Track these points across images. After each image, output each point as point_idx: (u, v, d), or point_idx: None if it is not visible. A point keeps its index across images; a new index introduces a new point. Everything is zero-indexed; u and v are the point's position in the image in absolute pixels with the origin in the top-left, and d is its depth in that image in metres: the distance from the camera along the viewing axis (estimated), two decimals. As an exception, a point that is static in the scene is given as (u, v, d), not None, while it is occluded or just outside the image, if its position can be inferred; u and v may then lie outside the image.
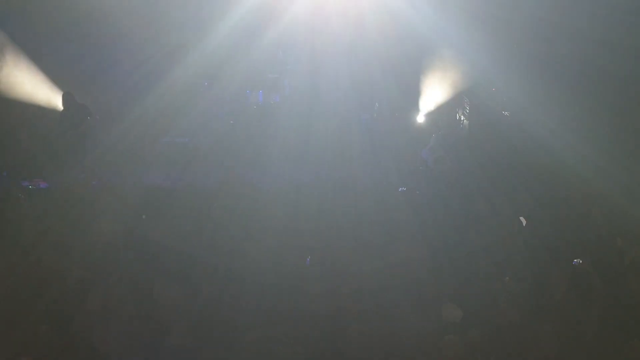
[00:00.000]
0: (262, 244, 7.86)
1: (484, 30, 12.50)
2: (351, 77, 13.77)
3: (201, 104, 13.54)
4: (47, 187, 10.60)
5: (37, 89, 12.15)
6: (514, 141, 11.66)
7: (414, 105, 13.42)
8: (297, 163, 11.79)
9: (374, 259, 7.66)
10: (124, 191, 10.09)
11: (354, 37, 13.69)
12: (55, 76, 12.21)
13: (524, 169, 10.59)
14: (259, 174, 11.19)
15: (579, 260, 7.23)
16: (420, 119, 13.40)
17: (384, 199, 9.73)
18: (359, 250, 7.86)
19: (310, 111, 13.60)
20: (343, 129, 12.66)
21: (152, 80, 13.09)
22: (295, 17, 13.55)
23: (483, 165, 10.94)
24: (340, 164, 11.76)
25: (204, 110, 13.48)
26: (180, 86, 13.13)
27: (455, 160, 11.36)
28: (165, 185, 10.68)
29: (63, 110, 11.76)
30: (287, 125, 13.01)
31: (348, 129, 12.76)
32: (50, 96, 12.17)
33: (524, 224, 8.62)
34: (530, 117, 11.73)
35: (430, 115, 13.36)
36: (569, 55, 11.82)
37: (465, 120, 13.26)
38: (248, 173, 11.02)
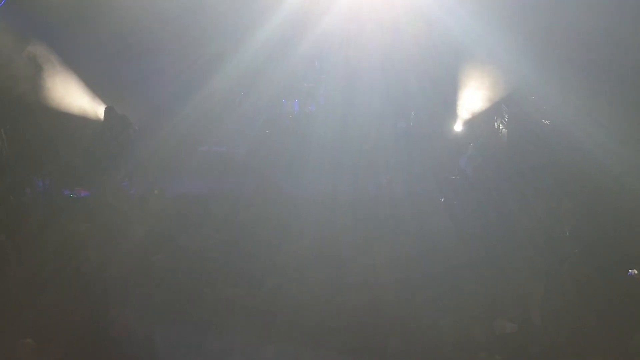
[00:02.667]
0: (298, 251, 7.86)
1: (523, 36, 12.31)
2: (387, 85, 13.70)
3: (238, 113, 13.66)
4: (87, 196, 10.82)
5: (78, 99, 12.45)
6: (554, 150, 11.40)
7: (452, 114, 13.26)
8: (332, 172, 11.75)
9: (410, 266, 7.57)
10: (162, 199, 10.22)
11: (390, 45, 13.62)
12: (95, 87, 12.50)
13: (566, 178, 10.32)
14: (294, 182, 11.20)
15: (634, 270, 7.00)
16: (458, 127, 13.22)
17: (421, 208, 9.62)
18: (395, 259, 7.78)
19: (345, 120, 13.58)
20: (379, 138, 12.59)
21: (189, 90, 13.27)
22: (331, 26, 13.57)
23: (523, 174, 10.71)
24: (377, 173, 11.68)
25: (241, 119, 13.60)
26: (217, 95, 13.28)
27: (494, 169, 11.16)
28: (202, 194, 10.77)
29: (104, 121, 12.04)
30: (323, 134, 13.00)
31: (384, 138, 12.68)
32: (90, 107, 12.46)
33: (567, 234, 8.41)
34: (572, 125, 11.46)
35: (468, 123, 13.17)
36: (610, 61, 11.54)
37: (504, 129, 13.03)
38: (283, 182, 11.04)
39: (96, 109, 12.40)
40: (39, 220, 9.10)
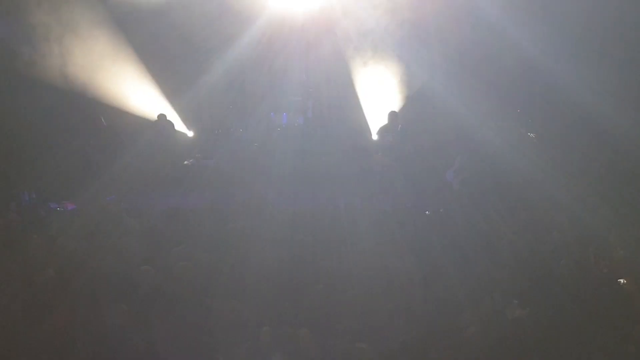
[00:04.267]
0: (283, 265, 7.86)
1: (504, 53, 12.52)
2: (375, 98, 13.80)
3: (225, 126, 13.69)
4: (74, 209, 10.77)
5: (65, 111, 12.43)
6: (541, 163, 11.52)
7: (439, 127, 13.36)
8: (320, 185, 11.79)
9: (397, 278, 7.60)
10: (150, 213, 10.18)
11: (378, 60, 13.76)
12: (83, 99, 12.49)
13: (553, 191, 10.41)
14: (281, 195, 11.21)
15: (622, 280, 7.08)
16: (445, 140, 13.30)
17: (408, 220, 9.66)
18: (381, 271, 7.81)
19: (333, 133, 13.65)
20: (366, 151, 12.66)
21: (177, 103, 13.30)
22: (319, 40, 13.69)
23: (509, 187, 10.80)
24: (364, 186, 11.72)
25: (229, 132, 13.63)
26: (205, 108, 13.33)
27: (480, 182, 11.24)
28: (189, 207, 10.74)
29: (91, 133, 12.02)
30: (311, 147, 13.05)
31: (371, 151, 12.75)
32: (78, 119, 12.43)
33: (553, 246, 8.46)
34: (558, 137, 11.61)
35: (455, 136, 13.27)
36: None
37: (490, 142, 13.14)
38: (270, 195, 11.04)
39: (83, 121, 12.38)
40: (25, 234, 9.02)
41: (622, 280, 7.28)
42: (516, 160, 11.63)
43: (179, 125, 13.14)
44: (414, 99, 13.59)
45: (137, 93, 13.04)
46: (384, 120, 12.95)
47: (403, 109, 13.55)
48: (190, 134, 13.44)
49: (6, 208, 10.15)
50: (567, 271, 7.68)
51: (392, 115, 12.86)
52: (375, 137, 13.22)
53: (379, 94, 13.84)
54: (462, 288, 7.50)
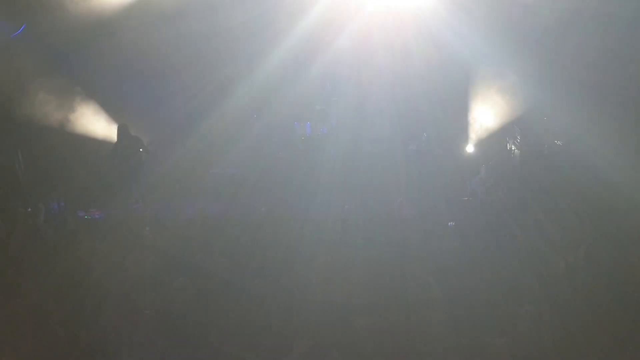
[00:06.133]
0: (308, 274, 7.86)
1: (534, 57, 12.37)
2: (398, 107, 13.75)
3: (250, 136, 13.78)
4: (101, 217, 10.94)
5: (92, 121, 12.65)
6: (567, 171, 11.34)
7: (463, 135, 13.26)
8: (344, 194, 11.77)
9: (420, 290, 7.54)
10: (175, 222, 10.29)
11: (401, 67, 13.71)
12: (110, 109, 12.70)
13: (579, 199, 10.25)
14: (306, 204, 11.22)
15: None
16: (470, 148, 13.21)
17: (432, 230, 9.60)
18: (406, 280, 7.76)
19: (357, 142, 13.62)
20: (390, 160, 12.62)
21: (201, 113, 13.42)
22: (342, 49, 13.70)
23: (535, 195, 10.65)
24: (387, 195, 11.67)
25: (253, 141, 13.70)
26: (229, 118, 13.41)
27: (506, 191, 11.12)
28: (215, 216, 10.83)
29: (117, 142, 12.20)
30: (335, 156, 13.05)
31: (395, 160, 12.71)
32: (105, 129, 12.64)
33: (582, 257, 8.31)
34: (584, 146, 11.42)
35: (480, 144, 13.16)
36: (622, 82, 11.53)
37: (516, 150, 13.00)
38: (295, 204, 11.06)
39: (110, 131, 12.59)
40: (53, 242, 9.19)
41: None
42: (543, 168, 11.48)
43: (205, 135, 13.23)
44: (438, 107, 13.49)
45: (161, 103, 13.20)
46: (407, 129, 12.89)
47: (428, 116, 13.47)
48: (214, 143, 13.53)
49: (37, 215, 10.36)
50: (599, 281, 7.55)
51: (417, 123, 12.79)
52: (399, 145, 13.17)
53: (403, 101, 13.78)
54: (488, 297, 7.43)
